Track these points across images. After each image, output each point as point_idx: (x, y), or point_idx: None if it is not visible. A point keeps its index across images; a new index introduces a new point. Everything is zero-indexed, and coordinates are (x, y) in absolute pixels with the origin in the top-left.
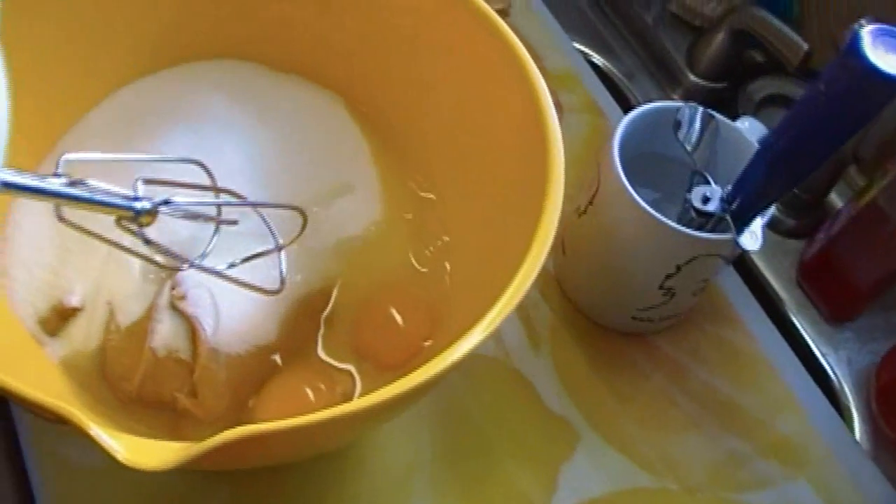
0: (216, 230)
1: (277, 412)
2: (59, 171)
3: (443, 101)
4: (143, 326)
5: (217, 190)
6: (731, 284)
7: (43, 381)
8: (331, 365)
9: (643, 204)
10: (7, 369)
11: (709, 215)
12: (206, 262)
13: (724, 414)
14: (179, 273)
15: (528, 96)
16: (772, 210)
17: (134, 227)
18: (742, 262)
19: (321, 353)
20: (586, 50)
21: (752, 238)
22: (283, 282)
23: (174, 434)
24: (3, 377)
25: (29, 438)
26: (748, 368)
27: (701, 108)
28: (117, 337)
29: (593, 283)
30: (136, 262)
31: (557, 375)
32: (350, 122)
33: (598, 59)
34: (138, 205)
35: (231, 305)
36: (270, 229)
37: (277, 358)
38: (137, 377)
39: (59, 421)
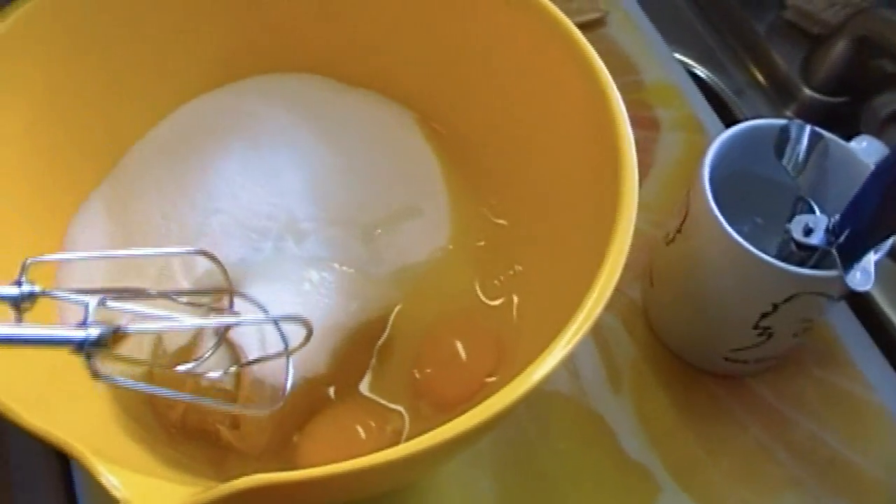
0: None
1: (322, 450)
2: (22, 278)
3: (518, 119)
4: (189, 352)
5: (221, 292)
6: (845, 323)
7: (88, 405)
8: (381, 403)
9: (734, 234)
10: (46, 393)
11: (812, 249)
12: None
13: (831, 472)
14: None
15: (603, 114)
16: (889, 243)
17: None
18: (859, 298)
19: (370, 390)
20: (690, 62)
21: (862, 276)
22: (284, 394)
23: (217, 468)
24: (6, 405)
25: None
26: (862, 420)
27: (808, 126)
28: (164, 362)
29: (681, 319)
30: (185, 281)
31: (639, 418)
32: (422, 139)
33: (702, 71)
34: (83, 333)
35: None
36: (281, 333)
37: (328, 391)
38: (181, 406)
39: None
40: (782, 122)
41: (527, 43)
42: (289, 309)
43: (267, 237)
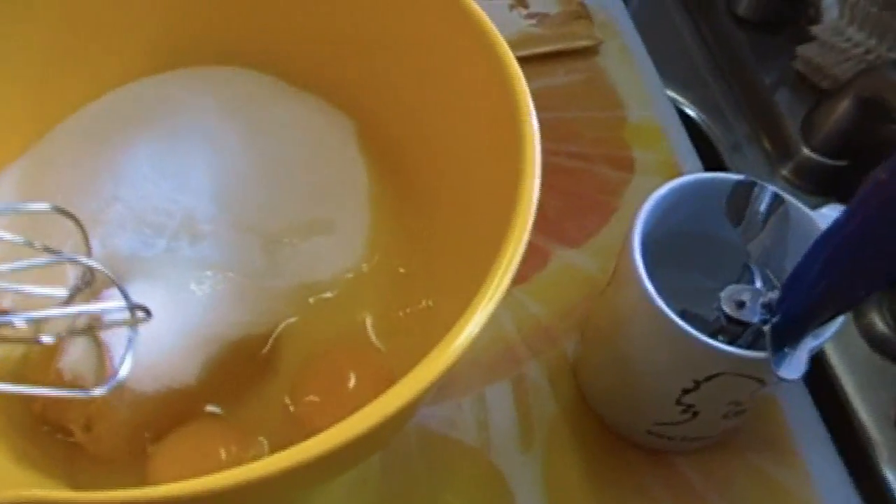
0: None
1: (173, 466)
2: None
3: (443, 133)
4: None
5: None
6: (798, 407)
7: None
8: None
9: (655, 296)
10: None
11: (743, 324)
12: None
13: None
14: (108, 290)
15: (512, 114)
16: (832, 329)
17: None
18: (823, 382)
19: (238, 409)
20: (684, 101)
21: (793, 363)
22: (116, 382)
23: (68, 467)
24: None
25: None
26: None
27: (770, 187)
28: (39, 348)
29: (607, 381)
30: (73, 277)
31: (544, 483)
32: (356, 152)
33: (695, 111)
34: None
35: (151, 338)
36: (121, 290)
37: (193, 405)
38: (41, 399)
39: None
40: (738, 177)
41: (455, 52)
42: (160, 313)
43: (161, 234)
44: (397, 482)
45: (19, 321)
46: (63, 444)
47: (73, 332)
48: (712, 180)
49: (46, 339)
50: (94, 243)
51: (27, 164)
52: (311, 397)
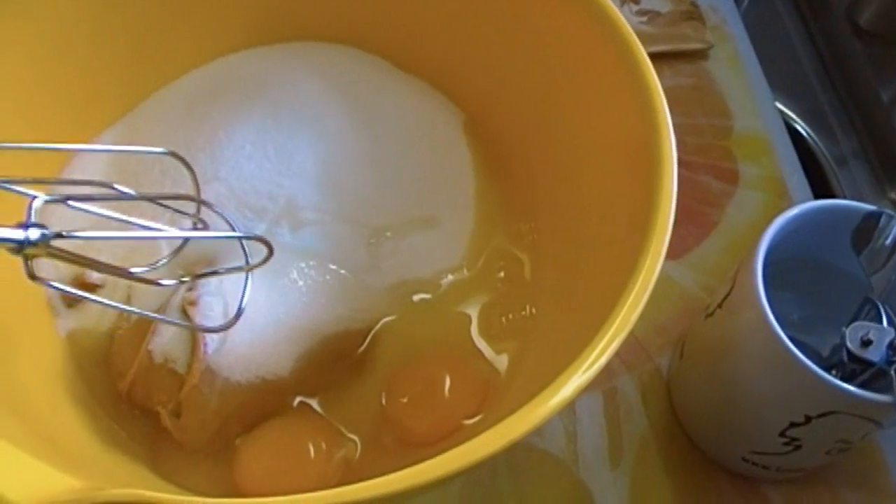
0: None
1: (262, 460)
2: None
3: (567, 139)
4: (151, 322)
5: (185, 198)
6: None
7: (40, 353)
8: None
9: (776, 327)
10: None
11: (867, 363)
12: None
13: None
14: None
15: (646, 122)
16: None
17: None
18: None
19: (331, 407)
20: (792, 115)
21: None
22: (238, 315)
23: (152, 451)
24: None
25: None
26: None
27: None
28: (126, 326)
29: (704, 403)
30: (166, 247)
31: (630, 502)
32: (464, 146)
33: (803, 128)
34: (22, 235)
35: (246, 325)
36: (243, 248)
37: (284, 398)
38: (129, 377)
39: None
40: (869, 208)
41: (582, 49)
42: (259, 299)
43: (262, 218)
44: (480, 490)
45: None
46: (148, 428)
47: (196, 276)
48: (841, 208)
49: (167, 282)
50: (188, 220)
51: (121, 132)
52: (405, 398)
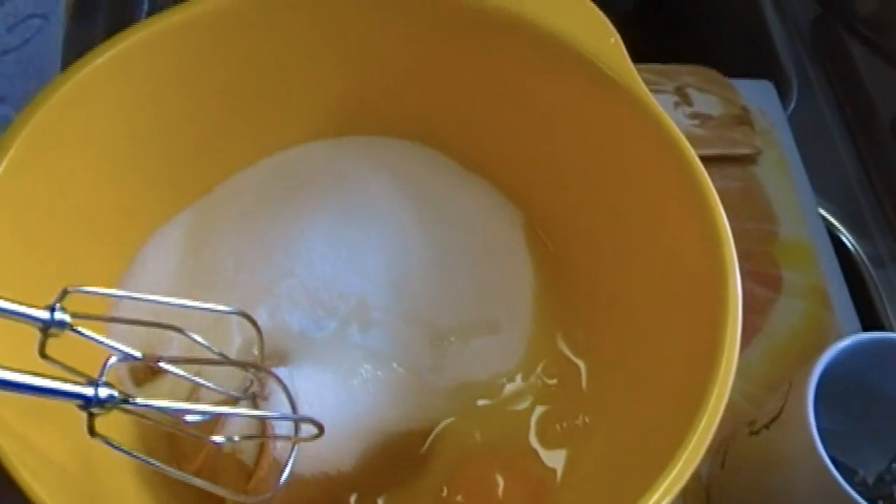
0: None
1: None
2: (57, 304)
3: (626, 246)
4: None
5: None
6: None
7: (108, 430)
8: None
9: (826, 459)
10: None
11: None
12: None
13: None
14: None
15: (714, 265)
16: None
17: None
18: None
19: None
20: (835, 222)
21: None
22: (279, 484)
23: None
24: None
25: None
26: None
27: None
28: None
29: None
30: (238, 337)
31: None
32: (524, 249)
33: (847, 237)
34: (91, 392)
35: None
36: (296, 425)
37: (346, 495)
38: (197, 463)
39: None
40: None
41: (643, 159)
42: (330, 398)
43: (333, 317)
44: None
45: (192, 417)
46: None
47: (244, 438)
48: (892, 341)
49: (218, 439)
50: (262, 314)
51: (195, 217)
52: (460, 498)
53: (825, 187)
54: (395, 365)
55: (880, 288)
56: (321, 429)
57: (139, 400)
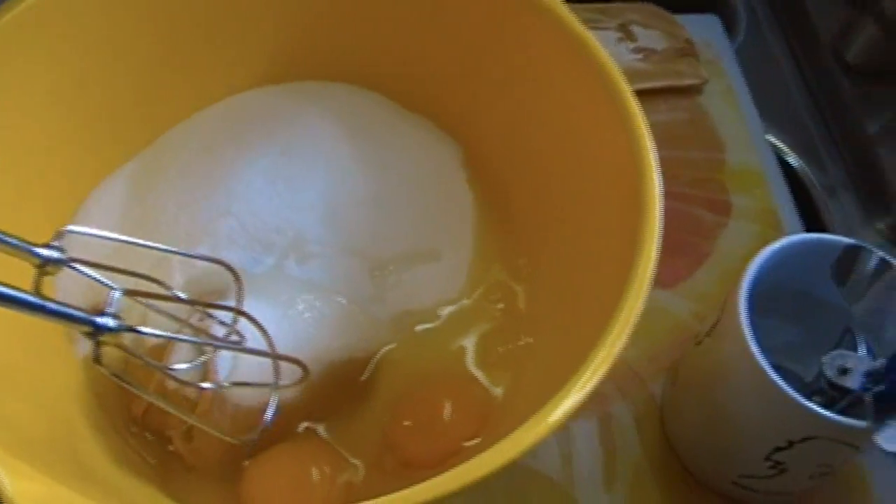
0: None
1: (268, 482)
2: (55, 242)
3: (558, 171)
4: (164, 349)
5: (230, 309)
6: (884, 468)
7: (58, 375)
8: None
9: (758, 355)
10: (20, 364)
11: (844, 391)
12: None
13: None
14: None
15: (634, 162)
16: None
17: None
18: None
19: (335, 432)
20: (784, 147)
21: (894, 434)
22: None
23: (162, 471)
24: None
25: None
26: None
27: (877, 253)
28: (142, 351)
29: (695, 429)
30: (179, 276)
31: None
32: (463, 182)
33: (795, 159)
34: (100, 320)
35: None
36: (276, 368)
37: (290, 424)
38: (144, 402)
39: None
40: (849, 241)
41: (574, 91)
42: (271, 329)
43: (271, 252)
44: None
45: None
46: (158, 450)
47: (235, 384)
48: (823, 241)
49: (208, 385)
50: (203, 252)
51: (139, 167)
52: (406, 423)
53: (775, 116)
54: (334, 295)
55: (831, 209)
56: (307, 371)
57: (146, 329)
